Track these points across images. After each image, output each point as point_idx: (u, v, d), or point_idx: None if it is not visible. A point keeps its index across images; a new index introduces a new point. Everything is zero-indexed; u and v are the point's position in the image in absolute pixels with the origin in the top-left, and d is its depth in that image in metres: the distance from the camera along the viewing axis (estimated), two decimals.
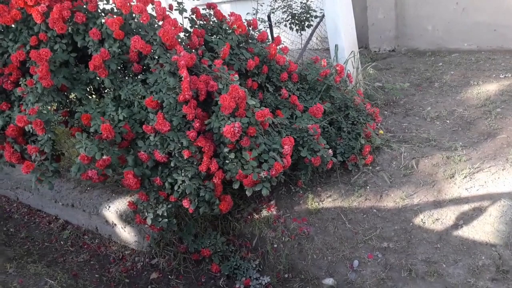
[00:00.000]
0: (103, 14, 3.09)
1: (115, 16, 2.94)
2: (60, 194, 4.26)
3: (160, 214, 2.90)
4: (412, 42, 6.26)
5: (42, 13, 2.88)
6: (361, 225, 2.97)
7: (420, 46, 6.20)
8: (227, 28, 3.59)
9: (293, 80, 3.83)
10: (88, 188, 4.17)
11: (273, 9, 5.94)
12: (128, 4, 2.96)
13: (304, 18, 5.97)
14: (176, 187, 2.87)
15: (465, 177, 3.08)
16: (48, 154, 2.89)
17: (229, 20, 3.71)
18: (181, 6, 3.57)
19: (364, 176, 3.29)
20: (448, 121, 3.91)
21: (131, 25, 2.95)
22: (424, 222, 2.88)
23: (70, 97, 3.20)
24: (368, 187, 3.17)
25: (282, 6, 5.84)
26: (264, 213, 3.25)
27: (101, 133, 2.79)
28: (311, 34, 6.33)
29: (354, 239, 2.93)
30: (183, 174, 2.84)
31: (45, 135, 2.83)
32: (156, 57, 2.96)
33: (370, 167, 3.36)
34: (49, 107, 2.90)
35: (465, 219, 2.84)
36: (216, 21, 3.74)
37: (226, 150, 2.90)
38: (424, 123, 3.96)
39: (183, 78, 2.81)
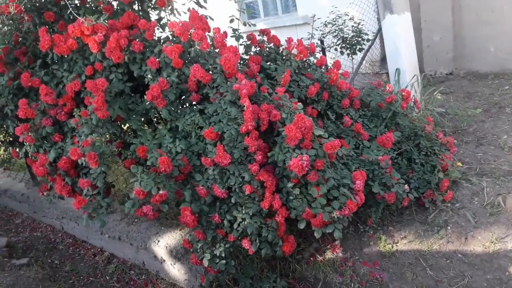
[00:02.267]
0: (159, 43, 2.97)
1: (173, 44, 2.80)
2: (107, 225, 4.10)
3: (217, 255, 2.65)
4: (472, 64, 5.87)
5: (99, 42, 2.78)
6: (445, 272, 2.60)
7: (481, 68, 5.79)
8: (286, 53, 3.39)
9: (354, 107, 3.56)
10: (136, 220, 4.00)
11: (324, 33, 5.74)
12: (187, 31, 2.82)
13: (356, 41, 5.74)
14: (235, 225, 2.62)
15: None
16: (100, 188, 2.73)
17: (285, 46, 3.53)
18: (237, 32, 3.41)
19: (443, 214, 2.93)
20: None
21: (189, 54, 2.79)
22: None
23: (124, 128, 3.07)
24: (449, 228, 2.80)
25: (333, 30, 5.63)
26: (329, 254, 2.93)
27: (157, 166, 2.61)
28: (363, 58, 6.07)
29: None
30: (243, 211, 2.59)
31: (98, 168, 2.69)
32: (215, 86, 2.78)
33: (449, 204, 3.00)
34: (103, 139, 2.76)
35: None
36: (272, 47, 3.56)
37: (290, 185, 2.64)
38: (502, 154, 3.56)
39: (245, 108, 2.61)
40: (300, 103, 2.86)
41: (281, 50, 3.58)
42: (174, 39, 2.97)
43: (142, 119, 2.98)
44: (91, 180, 2.69)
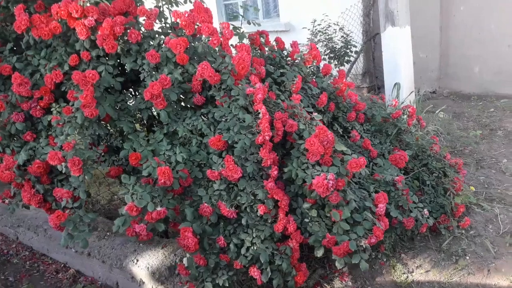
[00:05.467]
0: (157, 36, 2.58)
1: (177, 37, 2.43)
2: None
3: (220, 284, 2.28)
4: (456, 84, 5.88)
5: (89, 27, 2.35)
6: None
7: (465, 89, 5.81)
8: (297, 57, 3.10)
9: (359, 121, 3.33)
10: (108, 234, 3.52)
11: (312, 41, 5.53)
12: (193, 23, 2.46)
13: (343, 52, 5.58)
14: (243, 251, 2.27)
15: None
16: (82, 200, 2.29)
17: (291, 50, 3.24)
18: (239, 30, 3.07)
19: (459, 242, 2.73)
20: None
21: (197, 49, 2.43)
22: None
23: (110, 130, 2.64)
24: (467, 257, 2.60)
25: (323, 39, 5.44)
26: (337, 283, 2.64)
27: (154, 177, 2.22)
28: (349, 70, 5.93)
29: None
30: (254, 235, 2.25)
31: (81, 176, 2.25)
32: (223, 88, 2.43)
33: (464, 231, 2.81)
34: (87, 141, 2.32)
35: None
36: (276, 50, 3.26)
37: (305, 205, 2.34)
38: (504, 178, 3.46)
39: (260, 115, 2.28)
40: (317, 114, 2.58)
41: (285, 53, 3.29)
42: (176, 31, 2.59)
43: (133, 120, 2.56)
44: (72, 190, 2.25)
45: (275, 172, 2.28)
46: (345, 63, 5.65)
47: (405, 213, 2.63)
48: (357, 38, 6.00)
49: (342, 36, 5.60)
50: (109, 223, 3.60)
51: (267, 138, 2.22)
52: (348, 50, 5.59)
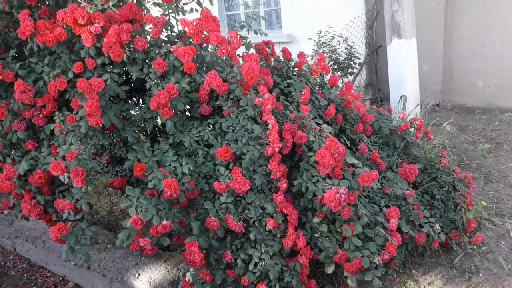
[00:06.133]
0: (163, 44, 2.53)
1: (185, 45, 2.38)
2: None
3: None
4: (459, 98, 5.85)
5: (95, 34, 2.30)
6: None
7: (468, 102, 5.78)
8: (306, 68, 3.05)
9: (366, 133, 3.27)
10: (108, 246, 3.43)
11: (316, 52, 5.51)
12: (201, 32, 2.41)
13: (347, 64, 5.56)
14: (251, 266, 2.19)
15: None
16: (84, 212, 2.21)
17: (298, 61, 3.20)
18: (246, 40, 3.03)
19: (471, 258, 2.66)
20: None
21: (204, 58, 2.38)
22: None
23: (114, 139, 2.57)
24: (481, 274, 2.53)
25: (327, 51, 5.42)
26: None
27: (160, 189, 2.14)
28: (352, 82, 5.89)
29: None
30: (262, 250, 2.17)
31: (83, 187, 2.17)
32: (231, 98, 2.38)
33: (475, 247, 2.74)
34: (91, 151, 2.25)
35: None
36: (282, 60, 3.22)
37: (315, 220, 2.26)
38: None
39: (269, 126, 2.22)
40: (327, 126, 2.52)
41: (292, 64, 3.25)
42: (184, 40, 2.54)
43: (138, 130, 2.50)
44: (74, 202, 2.17)
45: (285, 185, 2.21)
46: (348, 75, 5.62)
47: (415, 228, 2.56)
48: (360, 50, 5.99)
49: (345, 48, 5.58)
50: (110, 235, 3.51)
51: (277, 149, 2.16)
52: (351, 62, 5.57)
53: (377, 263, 2.06)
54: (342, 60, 5.50)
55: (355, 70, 5.74)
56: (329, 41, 5.51)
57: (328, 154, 2.16)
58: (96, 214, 3.87)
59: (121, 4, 2.60)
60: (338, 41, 5.56)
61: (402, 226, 2.47)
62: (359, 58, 5.64)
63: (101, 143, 2.32)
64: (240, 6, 7.55)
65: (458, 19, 5.50)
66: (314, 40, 5.47)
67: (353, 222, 2.21)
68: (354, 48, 5.71)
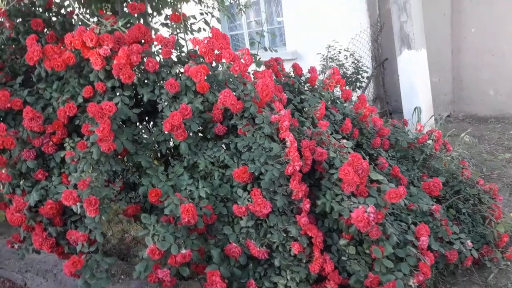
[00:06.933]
0: (173, 65, 2.47)
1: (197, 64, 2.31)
2: None
3: None
4: (471, 108, 5.74)
5: (104, 57, 2.23)
6: None
7: (480, 111, 5.67)
8: (319, 83, 2.97)
9: (384, 147, 3.17)
10: (122, 277, 3.30)
11: (325, 67, 5.45)
12: (212, 50, 2.34)
13: (355, 78, 5.49)
14: None
15: None
16: (99, 243, 2.10)
17: (309, 76, 3.12)
18: (256, 57, 2.96)
19: (506, 275, 2.51)
20: None
21: (217, 76, 2.30)
22: None
23: (126, 164, 2.47)
24: None
25: (334, 65, 5.36)
26: None
27: (170, 214, 2.03)
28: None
29: None
30: (288, 277, 2.04)
31: (97, 217, 2.06)
32: (246, 116, 2.29)
33: (509, 263, 2.60)
34: (104, 178, 2.15)
35: None
36: (294, 76, 3.14)
37: (342, 242, 2.13)
38: None
39: (288, 144, 2.12)
40: (346, 141, 2.42)
41: (303, 79, 3.17)
42: (195, 59, 2.48)
43: (151, 154, 2.40)
44: (88, 233, 2.06)
45: (308, 206, 2.10)
46: (357, 89, 5.55)
47: (445, 245, 2.43)
48: (367, 64, 5.93)
49: (353, 62, 5.52)
50: (123, 264, 3.38)
51: (297, 168, 2.06)
52: (359, 76, 5.51)
53: (412, 286, 1.93)
54: (350, 74, 5.43)
55: (363, 84, 5.67)
56: (335, 56, 5.45)
57: (352, 171, 2.06)
58: (107, 243, 3.74)
59: (128, 25, 2.55)
60: (345, 55, 5.50)
61: (431, 244, 2.34)
62: (366, 72, 5.57)
63: (113, 169, 2.22)
64: (243, 26, 7.57)
65: (465, 28, 5.44)
66: (322, 55, 5.42)
67: (382, 243, 2.08)
68: (361, 62, 5.65)
